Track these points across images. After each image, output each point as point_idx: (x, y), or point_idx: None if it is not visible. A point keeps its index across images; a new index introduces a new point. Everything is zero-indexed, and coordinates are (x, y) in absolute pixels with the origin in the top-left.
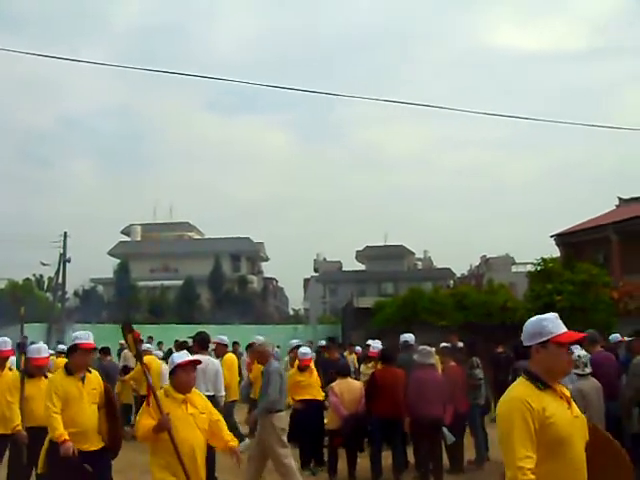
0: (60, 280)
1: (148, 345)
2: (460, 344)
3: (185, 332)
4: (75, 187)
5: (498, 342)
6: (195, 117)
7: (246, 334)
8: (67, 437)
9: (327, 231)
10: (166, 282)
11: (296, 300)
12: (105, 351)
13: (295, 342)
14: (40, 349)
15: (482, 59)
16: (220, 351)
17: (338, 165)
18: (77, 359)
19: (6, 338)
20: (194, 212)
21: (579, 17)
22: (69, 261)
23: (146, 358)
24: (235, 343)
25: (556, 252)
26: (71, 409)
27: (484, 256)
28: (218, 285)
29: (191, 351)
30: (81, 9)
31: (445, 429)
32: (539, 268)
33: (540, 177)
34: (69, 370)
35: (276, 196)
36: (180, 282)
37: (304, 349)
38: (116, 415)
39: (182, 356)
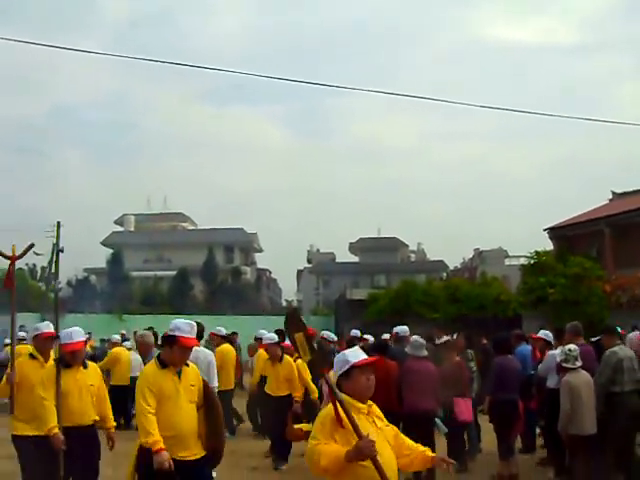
0: (53, 270)
1: (116, 336)
2: (444, 338)
3: None
4: (68, 177)
5: (484, 334)
6: (189, 108)
7: (239, 325)
8: (163, 446)
9: (321, 223)
10: (159, 272)
11: (289, 291)
12: None
13: (264, 333)
14: (72, 333)
15: (477, 52)
16: (217, 341)
17: (332, 157)
18: (175, 355)
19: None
20: (188, 203)
21: (572, 11)
22: (62, 251)
23: (114, 350)
24: (234, 333)
25: (549, 245)
26: (166, 409)
27: (478, 249)
28: (211, 276)
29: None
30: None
31: (438, 420)
32: (532, 261)
33: (534, 170)
34: (162, 362)
35: (270, 187)
36: (173, 272)
37: (270, 335)
38: (218, 416)
39: (358, 354)
